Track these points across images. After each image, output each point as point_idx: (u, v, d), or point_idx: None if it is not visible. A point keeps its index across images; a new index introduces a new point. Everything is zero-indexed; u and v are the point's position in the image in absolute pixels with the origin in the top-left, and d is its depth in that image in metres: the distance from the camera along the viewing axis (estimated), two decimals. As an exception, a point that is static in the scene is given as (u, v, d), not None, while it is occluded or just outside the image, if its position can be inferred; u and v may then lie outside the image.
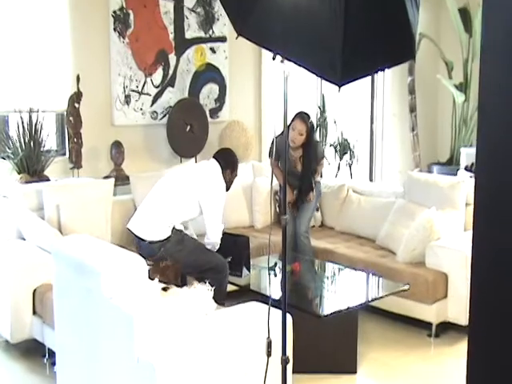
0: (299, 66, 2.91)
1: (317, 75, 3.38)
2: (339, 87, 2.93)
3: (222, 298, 3.75)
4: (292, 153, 5.22)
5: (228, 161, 4.57)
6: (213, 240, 4.41)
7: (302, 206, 5.32)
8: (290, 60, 2.75)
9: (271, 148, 5.38)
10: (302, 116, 5.09)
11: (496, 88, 1.98)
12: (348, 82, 2.92)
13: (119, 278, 2.99)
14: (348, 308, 3.96)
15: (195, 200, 4.37)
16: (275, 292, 3.90)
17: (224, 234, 4.62)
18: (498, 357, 2.08)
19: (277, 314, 2.93)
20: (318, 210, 5.92)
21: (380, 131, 8.19)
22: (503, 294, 2.05)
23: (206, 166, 4.51)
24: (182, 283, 3.67)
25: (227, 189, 4.55)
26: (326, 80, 3.00)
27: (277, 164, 5.28)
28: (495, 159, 2.01)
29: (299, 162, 5.25)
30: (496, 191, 2.02)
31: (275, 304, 2.92)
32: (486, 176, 2.04)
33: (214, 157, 4.59)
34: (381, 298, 4.26)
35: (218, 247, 4.44)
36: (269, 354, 2.84)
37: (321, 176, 5.54)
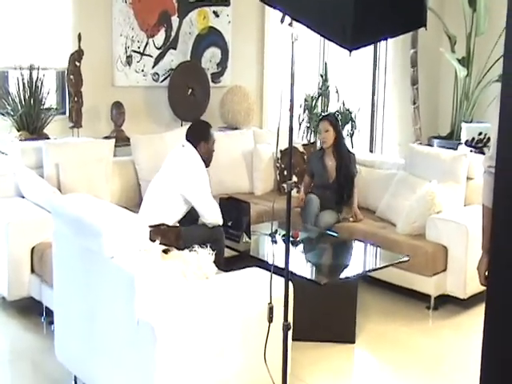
0: (309, 28, 2.82)
1: (327, 39, 3.30)
2: (350, 52, 2.87)
3: (221, 264, 3.70)
4: (327, 161, 5.28)
5: (197, 134, 4.35)
6: (211, 220, 4.26)
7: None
8: (299, 22, 2.66)
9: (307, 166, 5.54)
10: (324, 116, 5.48)
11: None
12: (359, 47, 2.85)
13: (121, 238, 2.95)
14: (348, 277, 3.95)
15: (179, 196, 4.21)
16: (276, 259, 3.86)
17: (227, 198, 4.57)
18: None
19: (278, 280, 2.93)
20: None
21: (381, 103, 8.10)
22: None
23: (179, 155, 4.31)
24: (182, 246, 3.62)
25: (208, 163, 4.36)
26: (337, 44, 2.93)
27: (309, 181, 5.42)
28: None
29: (335, 172, 5.26)
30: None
31: (276, 271, 2.90)
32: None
33: (186, 138, 4.40)
34: (380, 268, 4.24)
35: (220, 222, 4.30)
36: (270, 319, 2.82)
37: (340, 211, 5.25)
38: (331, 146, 5.26)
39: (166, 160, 4.38)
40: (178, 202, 4.23)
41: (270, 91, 7.18)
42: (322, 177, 5.32)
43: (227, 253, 4.46)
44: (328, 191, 5.23)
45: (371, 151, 8.09)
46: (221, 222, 4.30)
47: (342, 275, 4.03)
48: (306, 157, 5.93)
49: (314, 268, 4.29)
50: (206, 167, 4.35)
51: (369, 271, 4.27)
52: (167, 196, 4.22)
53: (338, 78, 7.58)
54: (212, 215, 4.25)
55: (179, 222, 4.27)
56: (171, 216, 4.20)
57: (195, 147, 4.30)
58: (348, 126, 7.23)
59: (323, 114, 6.82)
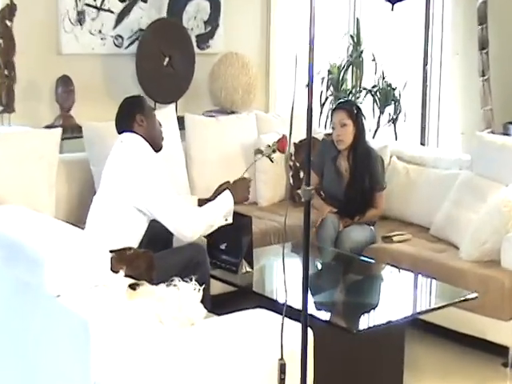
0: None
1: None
2: (392, 5, 2.92)
3: (206, 302, 3.70)
4: (342, 168, 5.39)
5: (127, 112, 4.49)
6: (188, 234, 4.22)
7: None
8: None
9: (316, 157, 5.43)
10: (340, 105, 5.62)
11: None
12: None
13: (70, 268, 2.96)
14: (391, 322, 3.95)
15: (132, 209, 4.25)
16: (289, 296, 3.88)
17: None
18: None
19: (292, 326, 2.95)
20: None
21: (437, 75, 8.15)
22: None
23: (119, 153, 4.38)
24: (157, 279, 3.64)
25: (157, 144, 4.44)
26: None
27: (319, 184, 5.44)
28: None
29: (347, 182, 5.37)
30: None
31: (290, 313, 2.91)
32: None
33: (117, 129, 4.52)
34: (436, 309, 4.22)
35: (202, 231, 4.29)
36: (282, 382, 2.83)
37: (372, 224, 5.41)
38: (349, 146, 5.32)
39: (107, 162, 4.43)
40: (134, 217, 4.26)
41: (280, 60, 7.24)
42: (335, 188, 5.39)
43: (220, 288, 4.47)
44: (341, 208, 5.31)
45: (422, 143, 8.12)
46: (203, 232, 4.27)
47: (383, 319, 4.01)
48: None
49: (343, 309, 4.31)
50: (158, 151, 4.41)
51: (420, 313, 4.27)
52: (117, 212, 4.25)
53: (376, 40, 7.62)
54: (186, 226, 4.23)
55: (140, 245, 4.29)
56: (127, 238, 4.20)
57: (133, 131, 4.37)
58: (390, 109, 7.25)
59: (345, 98, 6.83)
